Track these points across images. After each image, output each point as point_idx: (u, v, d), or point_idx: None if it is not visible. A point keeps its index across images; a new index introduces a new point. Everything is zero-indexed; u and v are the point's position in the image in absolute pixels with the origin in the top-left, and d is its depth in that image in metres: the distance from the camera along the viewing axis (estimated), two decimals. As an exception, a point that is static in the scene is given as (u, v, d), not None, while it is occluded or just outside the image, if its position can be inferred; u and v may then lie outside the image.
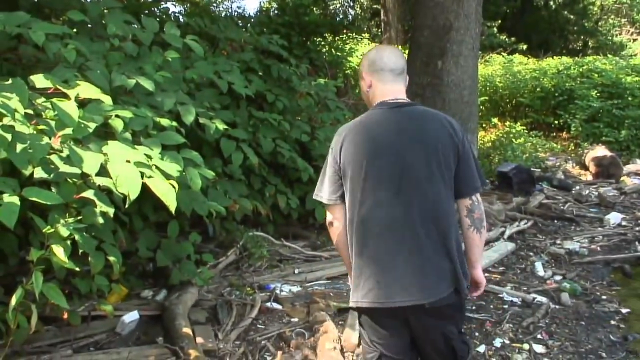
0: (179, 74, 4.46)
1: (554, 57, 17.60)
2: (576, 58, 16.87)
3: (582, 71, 14.74)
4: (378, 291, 2.33)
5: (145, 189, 2.60)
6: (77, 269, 2.53)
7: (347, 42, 13.49)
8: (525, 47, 20.72)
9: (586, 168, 11.19)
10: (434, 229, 2.34)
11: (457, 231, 2.46)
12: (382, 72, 2.46)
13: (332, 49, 10.94)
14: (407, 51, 10.21)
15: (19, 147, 2.26)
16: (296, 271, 5.22)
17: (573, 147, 12.98)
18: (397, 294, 2.31)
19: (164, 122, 3.43)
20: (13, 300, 2.35)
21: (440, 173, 2.35)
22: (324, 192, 2.48)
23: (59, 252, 2.30)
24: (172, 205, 2.59)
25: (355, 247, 2.40)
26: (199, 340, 3.74)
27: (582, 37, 25.40)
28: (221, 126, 4.12)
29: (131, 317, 3.94)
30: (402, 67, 2.50)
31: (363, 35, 17.89)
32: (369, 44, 17.26)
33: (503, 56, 17.55)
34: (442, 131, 2.38)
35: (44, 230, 2.36)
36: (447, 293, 2.35)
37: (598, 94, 13.50)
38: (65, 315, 3.36)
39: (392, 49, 2.61)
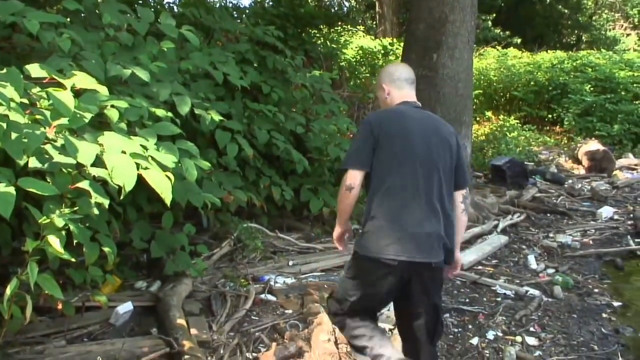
0: (174, 65, 4.44)
1: (548, 51, 17.63)
2: (570, 52, 16.92)
3: (575, 65, 14.80)
4: (398, 246, 2.73)
5: (139, 180, 2.59)
6: (73, 259, 2.52)
7: (342, 34, 13.43)
8: (519, 40, 20.74)
9: (579, 162, 11.24)
10: (442, 205, 2.84)
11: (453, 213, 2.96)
12: (398, 81, 3.02)
13: (327, 41, 10.90)
14: (402, 44, 10.20)
15: (14, 136, 2.24)
16: (290, 263, 5.23)
17: (566, 141, 13.04)
18: (413, 251, 2.73)
19: (160, 112, 3.41)
20: (8, 291, 2.33)
21: (449, 165, 2.91)
22: (359, 161, 2.84)
23: (55, 243, 2.29)
24: (167, 198, 2.58)
25: (381, 207, 2.78)
26: (193, 331, 3.73)
27: (576, 32, 25.43)
28: (217, 117, 4.10)
29: (125, 308, 3.93)
30: (414, 78, 3.08)
31: (358, 27, 17.84)
32: (363, 36, 17.22)
33: (497, 50, 17.57)
34: (451, 134, 2.98)
35: (39, 221, 2.34)
36: (442, 259, 2.84)
37: (591, 88, 13.57)
38: (60, 306, 3.35)
39: (405, 65, 3.25)
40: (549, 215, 7.80)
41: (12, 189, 2.21)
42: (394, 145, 2.80)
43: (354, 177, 2.82)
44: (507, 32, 20.88)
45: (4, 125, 2.19)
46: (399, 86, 3.01)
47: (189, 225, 4.56)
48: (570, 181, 10.03)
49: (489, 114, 14.08)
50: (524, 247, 6.45)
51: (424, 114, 3.00)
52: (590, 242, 6.65)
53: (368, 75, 11.34)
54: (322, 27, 10.76)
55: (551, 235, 6.87)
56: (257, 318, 4.22)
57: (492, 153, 10.66)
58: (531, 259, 5.92)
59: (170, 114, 3.49)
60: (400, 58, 9.05)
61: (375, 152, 2.81)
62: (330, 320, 3.27)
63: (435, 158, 2.83)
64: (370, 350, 2.93)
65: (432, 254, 2.77)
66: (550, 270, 5.66)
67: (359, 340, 2.99)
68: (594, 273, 5.68)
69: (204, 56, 4.80)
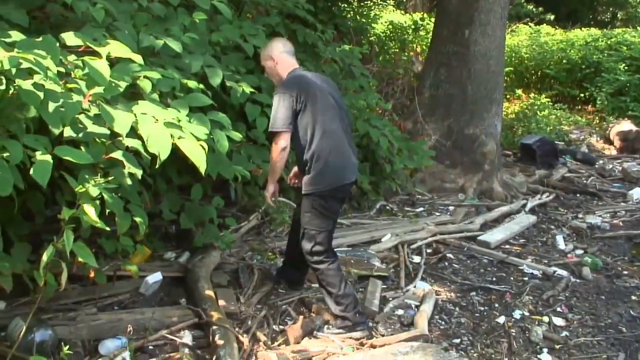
0: (205, 37, 4.42)
1: (582, 28, 17.17)
2: (604, 30, 16.44)
3: (610, 43, 14.40)
4: (343, 173, 3.64)
5: (170, 150, 2.60)
6: (108, 228, 2.55)
7: (372, 8, 13.26)
8: (552, 17, 20.27)
9: (610, 142, 11.04)
10: (351, 139, 3.79)
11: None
12: (284, 53, 3.75)
13: (357, 15, 10.78)
14: (432, 19, 10.05)
15: (52, 105, 2.25)
16: (317, 238, 5.23)
17: (598, 121, 12.74)
18: (350, 175, 3.68)
19: (191, 84, 3.41)
20: (44, 258, 2.37)
21: (345, 107, 3.88)
22: (287, 123, 3.49)
23: (90, 212, 2.31)
24: (202, 167, 2.59)
25: (321, 150, 3.52)
26: (221, 302, 3.78)
27: (611, 9, 24.77)
28: (248, 90, 4.10)
29: (155, 278, 3.98)
30: (294, 50, 3.84)
31: (388, 1, 17.57)
32: (393, 10, 17.00)
33: (530, 26, 17.19)
34: (336, 85, 4.02)
35: (76, 190, 2.37)
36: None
37: (626, 68, 13.20)
38: (92, 274, 3.40)
39: (284, 39, 4.11)
40: (578, 195, 7.69)
41: (49, 157, 2.24)
42: (315, 102, 3.52)
43: (286, 138, 3.50)
44: (540, 9, 20.41)
45: (42, 94, 2.20)
46: (285, 58, 3.73)
47: (217, 198, 4.58)
48: (601, 161, 9.85)
49: (519, 92, 13.81)
50: (552, 227, 6.38)
51: (314, 73, 3.92)
52: (620, 223, 6.55)
53: (397, 50, 11.21)
54: (352, 0, 10.64)
55: (580, 215, 6.78)
56: (283, 291, 4.25)
57: (522, 132, 10.51)
58: (559, 239, 5.86)
59: (201, 86, 3.49)
60: (431, 33, 8.93)
61: (300, 111, 3.50)
62: (307, 260, 3.72)
63: (340, 104, 3.73)
64: (337, 291, 3.62)
65: (355, 175, 3.75)
66: (579, 251, 5.59)
67: (332, 287, 3.64)
68: (624, 255, 5.61)
69: (234, 29, 4.77)
